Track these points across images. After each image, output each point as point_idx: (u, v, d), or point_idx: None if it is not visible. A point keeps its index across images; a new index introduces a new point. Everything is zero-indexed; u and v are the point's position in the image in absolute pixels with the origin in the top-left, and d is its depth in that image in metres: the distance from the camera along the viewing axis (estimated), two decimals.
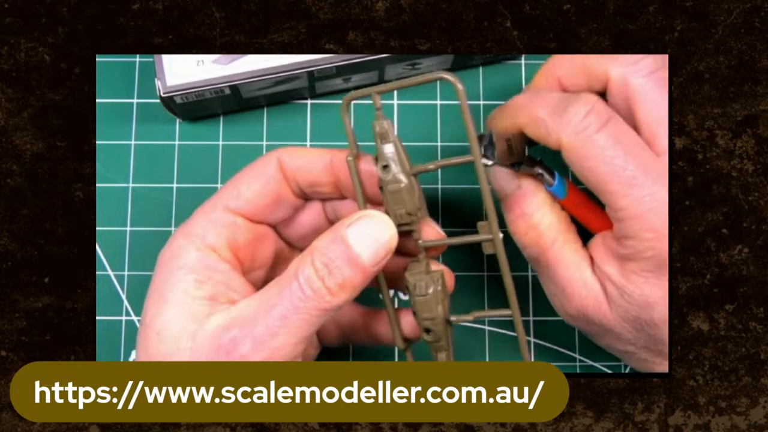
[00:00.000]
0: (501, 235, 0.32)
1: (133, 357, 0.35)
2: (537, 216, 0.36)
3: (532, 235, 0.37)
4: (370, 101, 0.33)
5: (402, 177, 0.33)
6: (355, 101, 0.34)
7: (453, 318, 0.35)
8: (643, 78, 0.34)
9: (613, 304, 0.35)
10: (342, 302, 0.32)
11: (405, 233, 0.34)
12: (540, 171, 0.37)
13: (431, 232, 0.35)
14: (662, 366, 0.37)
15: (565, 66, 0.37)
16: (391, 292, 0.37)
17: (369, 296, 0.38)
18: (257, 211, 0.35)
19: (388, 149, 0.33)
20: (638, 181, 0.32)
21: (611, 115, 0.33)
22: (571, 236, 0.37)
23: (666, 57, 0.36)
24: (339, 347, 0.40)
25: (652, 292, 0.34)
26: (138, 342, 0.34)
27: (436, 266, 0.35)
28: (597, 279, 0.36)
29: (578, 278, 0.36)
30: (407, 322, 0.36)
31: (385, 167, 0.33)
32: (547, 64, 0.38)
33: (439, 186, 0.45)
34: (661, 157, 0.33)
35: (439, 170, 0.44)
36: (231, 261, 0.34)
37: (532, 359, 0.44)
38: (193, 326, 0.32)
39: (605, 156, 0.33)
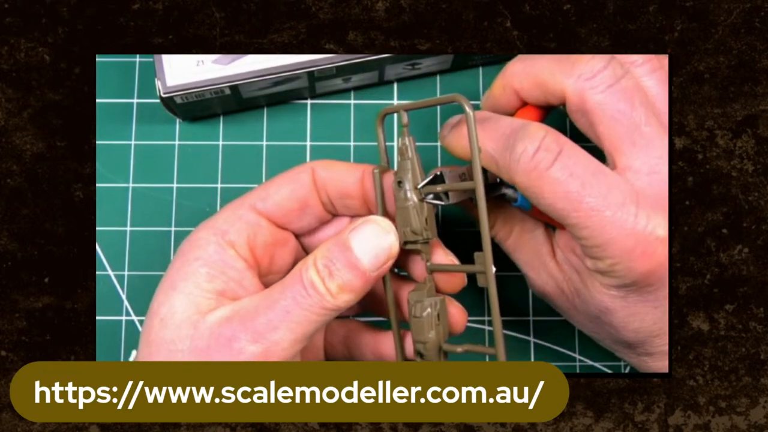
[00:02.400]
0: (494, 270, 0.32)
1: (134, 354, 0.35)
2: (491, 218, 0.38)
3: (492, 231, 0.38)
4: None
5: (412, 195, 0.33)
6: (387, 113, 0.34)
7: (444, 346, 0.34)
8: (601, 94, 0.33)
9: (575, 299, 0.35)
10: (342, 304, 0.32)
11: (414, 255, 0.35)
12: (503, 191, 0.37)
13: (442, 257, 0.35)
14: (629, 357, 0.37)
15: (521, 79, 0.36)
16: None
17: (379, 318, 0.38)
18: (282, 215, 0.35)
19: (404, 166, 0.33)
20: (597, 210, 0.32)
21: (562, 146, 0.32)
22: (528, 224, 0.37)
23: (663, 57, 0.36)
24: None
25: (612, 302, 0.34)
26: (143, 328, 0.34)
27: (449, 301, 0.35)
28: (559, 269, 0.36)
29: (539, 265, 0.37)
30: (410, 344, 0.36)
31: (399, 183, 0.33)
32: (503, 74, 0.37)
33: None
34: (625, 174, 0.33)
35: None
36: (248, 260, 0.34)
37: (532, 359, 0.44)
38: (196, 316, 0.32)
39: (559, 192, 0.32)
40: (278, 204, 0.35)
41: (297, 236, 0.37)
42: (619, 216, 0.32)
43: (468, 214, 0.39)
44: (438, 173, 0.34)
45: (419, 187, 0.33)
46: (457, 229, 0.45)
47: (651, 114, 0.33)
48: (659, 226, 0.32)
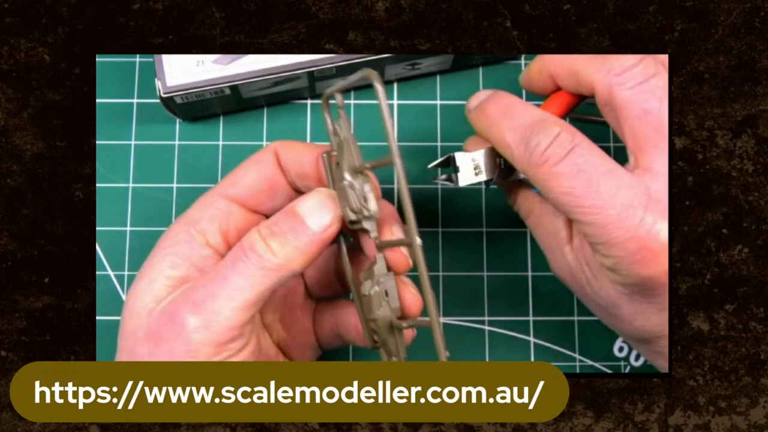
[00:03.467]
0: (420, 242, 0.31)
1: None
2: (513, 194, 0.39)
3: (514, 207, 0.39)
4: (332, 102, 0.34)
5: (346, 175, 0.33)
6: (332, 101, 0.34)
7: (394, 323, 0.34)
8: (629, 90, 0.33)
9: (587, 287, 0.36)
10: (284, 263, 0.32)
11: (365, 234, 0.34)
12: (521, 177, 0.37)
13: (388, 233, 0.35)
14: (642, 352, 0.37)
15: (557, 65, 0.36)
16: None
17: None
18: (253, 198, 0.36)
19: (340, 146, 0.33)
20: (601, 208, 0.32)
21: (576, 143, 0.33)
22: (549, 207, 0.37)
23: (666, 58, 0.36)
24: (338, 348, 0.40)
25: (619, 298, 0.34)
26: None
27: (402, 284, 0.35)
28: (574, 256, 0.36)
29: (555, 248, 0.37)
30: None
31: (338, 164, 0.33)
32: (541, 58, 0.37)
33: (439, 186, 0.45)
34: (644, 176, 0.32)
35: (439, 171, 0.44)
36: (218, 246, 0.34)
37: (532, 359, 0.44)
38: (152, 304, 0.32)
39: (564, 187, 0.32)
40: (247, 187, 0.35)
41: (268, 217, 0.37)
42: (624, 217, 0.32)
43: (504, 196, 0.40)
44: (451, 155, 0.36)
45: (430, 166, 0.35)
46: (462, 221, 0.45)
47: None
48: (665, 233, 0.32)
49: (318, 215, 0.33)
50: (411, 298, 0.34)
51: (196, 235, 0.34)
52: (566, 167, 0.32)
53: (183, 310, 0.31)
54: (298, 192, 0.37)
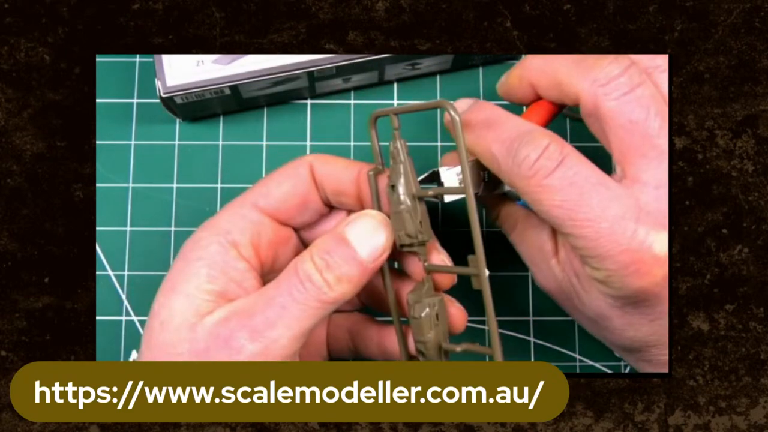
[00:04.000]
0: (487, 273, 0.32)
1: (134, 355, 0.35)
2: (496, 209, 0.39)
3: (497, 221, 0.39)
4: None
5: (405, 199, 0.33)
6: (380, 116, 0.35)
7: (444, 346, 0.34)
8: (615, 101, 0.32)
9: (575, 299, 0.35)
10: (339, 296, 0.32)
11: (411, 256, 0.35)
12: (506, 189, 0.37)
13: (436, 258, 0.35)
14: (630, 360, 0.38)
15: (539, 75, 0.35)
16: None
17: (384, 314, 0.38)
18: (284, 211, 0.35)
19: (396, 170, 0.33)
20: (593, 221, 0.31)
21: (565, 156, 0.32)
22: (533, 220, 0.37)
23: (664, 58, 0.36)
24: (348, 359, 0.40)
25: (609, 310, 0.34)
26: (144, 329, 0.34)
27: (449, 301, 0.35)
28: (561, 269, 0.36)
29: (541, 261, 0.37)
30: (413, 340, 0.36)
31: (392, 187, 0.33)
32: (522, 65, 0.36)
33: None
34: (633, 187, 0.32)
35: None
36: (251, 260, 0.34)
37: (532, 359, 0.44)
38: (194, 319, 0.32)
39: (556, 200, 0.32)
40: (280, 201, 0.35)
41: (296, 231, 0.37)
42: (616, 230, 0.31)
43: (482, 206, 0.40)
44: (435, 171, 0.35)
45: (417, 182, 0.34)
46: (456, 228, 0.45)
47: (667, 125, 0.33)
48: (657, 244, 0.31)
49: (369, 241, 0.32)
50: (458, 314, 0.35)
51: (229, 247, 0.33)
52: (557, 180, 0.32)
53: (239, 336, 0.31)
54: (329, 207, 0.37)
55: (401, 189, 0.33)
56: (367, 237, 0.32)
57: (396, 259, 0.36)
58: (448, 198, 0.35)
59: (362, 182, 0.35)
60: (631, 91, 0.32)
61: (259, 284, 0.34)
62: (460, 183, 0.36)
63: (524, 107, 0.37)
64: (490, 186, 0.37)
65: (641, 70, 0.33)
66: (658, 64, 0.34)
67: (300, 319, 0.31)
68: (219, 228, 0.34)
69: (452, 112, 0.31)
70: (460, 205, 0.36)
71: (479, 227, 0.31)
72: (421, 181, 0.36)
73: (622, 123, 0.32)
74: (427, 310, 0.34)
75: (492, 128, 0.34)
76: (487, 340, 0.45)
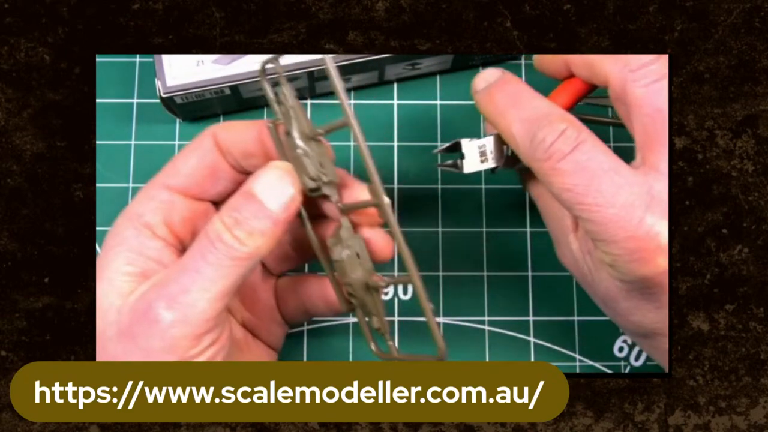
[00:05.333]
0: (388, 200, 0.31)
1: None
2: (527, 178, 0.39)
3: (528, 191, 0.39)
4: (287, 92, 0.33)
5: (299, 143, 0.33)
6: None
7: (370, 282, 0.34)
8: (644, 88, 0.33)
9: (588, 276, 0.36)
10: (254, 251, 0.31)
11: (325, 199, 0.34)
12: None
13: (350, 194, 0.34)
14: (643, 346, 0.38)
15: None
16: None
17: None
18: (195, 186, 0.35)
19: (287, 115, 0.33)
20: (601, 206, 0.32)
21: (581, 141, 0.32)
22: None
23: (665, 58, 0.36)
24: (303, 322, 0.40)
25: (617, 292, 0.34)
26: None
27: (371, 232, 0.35)
28: (578, 246, 0.36)
29: (561, 235, 0.37)
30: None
31: (288, 134, 0.33)
32: None
33: (439, 186, 0.46)
34: (649, 174, 0.32)
35: (440, 171, 0.44)
36: (166, 238, 0.34)
37: (532, 359, 0.44)
38: (118, 301, 0.32)
39: (567, 183, 0.32)
40: (188, 176, 0.35)
41: (216, 204, 0.37)
42: (623, 216, 0.31)
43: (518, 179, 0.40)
44: (458, 141, 0.36)
45: (435, 151, 0.36)
46: (462, 221, 0.45)
47: None
48: (664, 233, 0.31)
49: (277, 193, 0.32)
50: (380, 240, 0.34)
51: (143, 229, 0.34)
52: (569, 164, 0.32)
53: (156, 306, 0.31)
54: (242, 173, 0.36)
55: (295, 133, 0.33)
56: (273, 188, 0.32)
57: (315, 207, 0.36)
58: (468, 169, 0.36)
59: (265, 139, 0.35)
60: (660, 79, 0.33)
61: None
62: (482, 156, 0.37)
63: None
64: (511, 161, 0.37)
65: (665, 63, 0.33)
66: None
67: (215, 279, 0.31)
68: (132, 213, 0.34)
69: (332, 66, 0.31)
70: (469, 195, 0.36)
71: (370, 155, 0.31)
72: (442, 151, 0.37)
73: (649, 111, 0.33)
74: (347, 251, 0.33)
75: (515, 106, 0.34)
76: (488, 340, 0.45)
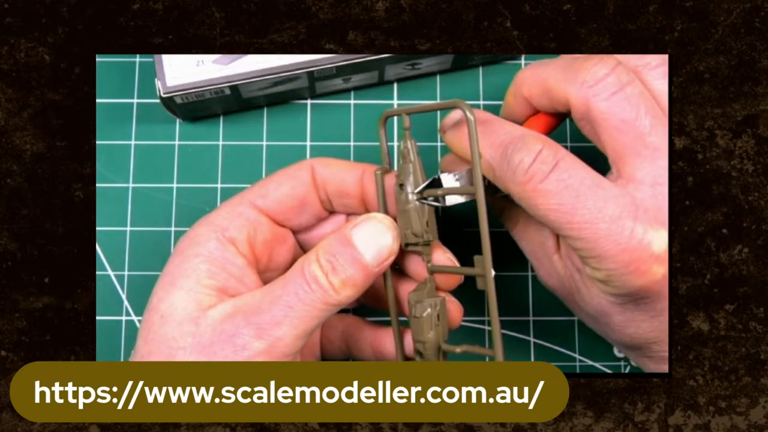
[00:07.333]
0: (493, 273, 0.32)
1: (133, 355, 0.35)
2: (499, 206, 0.39)
3: (500, 218, 0.39)
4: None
5: (413, 198, 0.33)
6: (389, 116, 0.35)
7: (443, 347, 0.34)
8: (605, 101, 0.32)
9: (576, 295, 0.35)
10: (344, 299, 0.32)
11: (415, 255, 0.35)
12: (505, 193, 0.37)
13: (442, 258, 0.35)
14: (631, 357, 0.38)
15: (530, 86, 0.35)
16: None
17: (378, 313, 0.38)
18: (282, 212, 0.35)
19: (406, 169, 0.34)
20: (591, 223, 0.31)
21: (559, 159, 0.32)
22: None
23: (656, 56, 0.35)
24: (341, 359, 0.40)
25: (610, 307, 0.34)
26: (141, 324, 0.34)
27: (448, 299, 0.35)
28: (563, 265, 0.36)
29: (543, 257, 0.37)
30: (410, 341, 0.36)
31: (401, 186, 0.34)
32: (514, 81, 0.37)
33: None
34: (629, 186, 0.32)
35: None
36: (248, 256, 0.34)
37: (532, 359, 0.44)
38: (197, 313, 0.32)
39: (552, 204, 0.32)
40: (278, 201, 0.35)
41: (294, 233, 0.37)
42: (614, 230, 0.31)
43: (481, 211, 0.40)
44: (436, 177, 0.35)
45: (417, 191, 0.34)
46: (460, 228, 0.45)
47: (658, 123, 0.32)
48: (656, 242, 0.31)
49: (376, 245, 0.33)
50: (455, 309, 0.35)
51: (227, 244, 0.34)
52: (552, 184, 0.32)
53: (245, 333, 0.31)
54: (327, 210, 0.37)
55: (410, 188, 0.33)
56: (372, 240, 0.33)
57: (397, 259, 0.36)
58: (449, 201, 0.35)
59: (365, 183, 0.35)
60: (620, 90, 0.32)
61: (259, 281, 0.34)
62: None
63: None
64: (491, 190, 0.37)
65: (629, 69, 0.33)
66: (648, 61, 0.34)
67: (304, 319, 0.31)
68: (216, 224, 0.34)
69: (468, 114, 0.31)
70: (459, 208, 0.36)
71: (488, 228, 0.31)
72: (422, 190, 0.36)
73: (615, 123, 0.32)
74: (429, 310, 0.34)
75: (485, 134, 0.34)
76: (488, 340, 0.45)
